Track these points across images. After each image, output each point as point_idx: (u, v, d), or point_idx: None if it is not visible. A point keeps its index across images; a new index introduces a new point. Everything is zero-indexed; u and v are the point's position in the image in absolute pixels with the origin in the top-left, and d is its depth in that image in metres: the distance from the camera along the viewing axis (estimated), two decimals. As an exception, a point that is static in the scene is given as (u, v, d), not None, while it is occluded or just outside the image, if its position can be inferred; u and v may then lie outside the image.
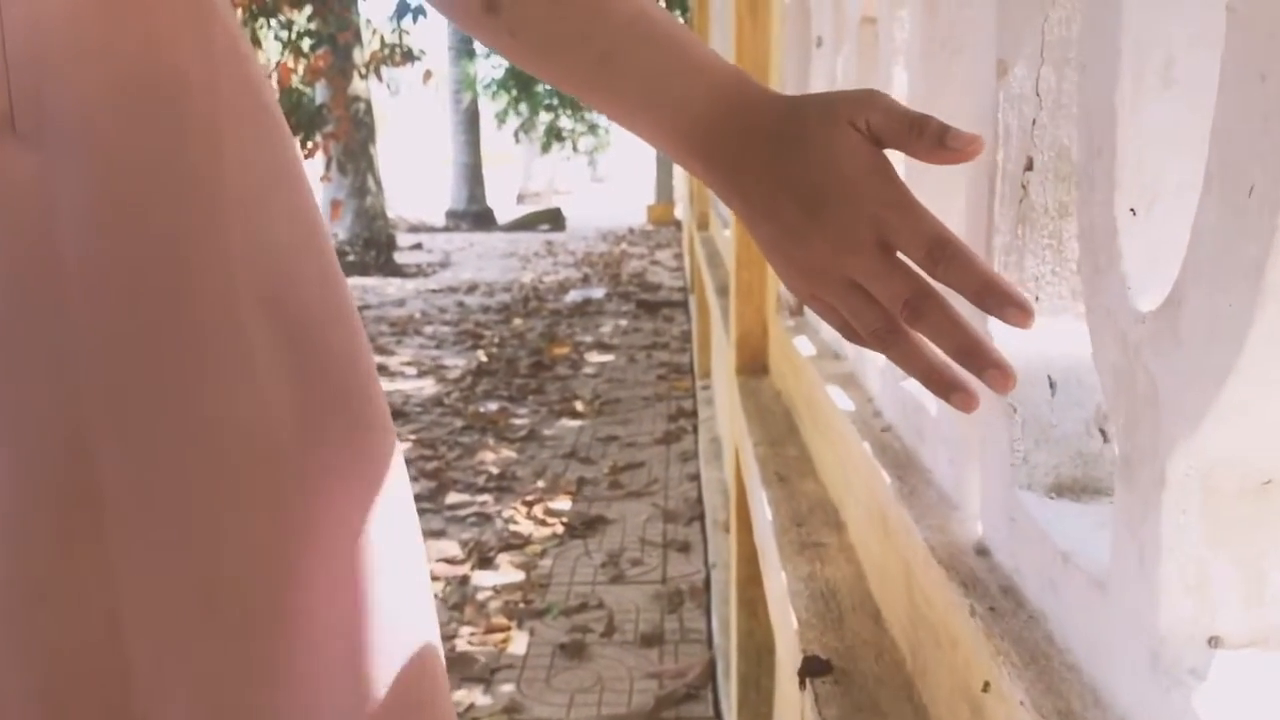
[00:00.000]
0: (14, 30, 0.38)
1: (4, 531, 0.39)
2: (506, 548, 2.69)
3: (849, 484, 0.87)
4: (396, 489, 0.51)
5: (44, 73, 0.39)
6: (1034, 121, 0.55)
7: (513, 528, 2.81)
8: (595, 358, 5.13)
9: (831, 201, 0.46)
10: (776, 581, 0.83)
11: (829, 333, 1.16)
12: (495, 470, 3.31)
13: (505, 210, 14.79)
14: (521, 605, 2.36)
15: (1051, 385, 0.53)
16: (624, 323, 6.15)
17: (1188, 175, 0.38)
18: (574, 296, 7.10)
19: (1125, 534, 0.39)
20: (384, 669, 0.47)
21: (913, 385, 0.77)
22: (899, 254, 0.46)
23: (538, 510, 2.92)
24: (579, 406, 4.10)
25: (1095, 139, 0.41)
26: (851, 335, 0.50)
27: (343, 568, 0.46)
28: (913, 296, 0.45)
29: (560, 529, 2.80)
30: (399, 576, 0.49)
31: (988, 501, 0.57)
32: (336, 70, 7.64)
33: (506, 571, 2.55)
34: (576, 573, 2.54)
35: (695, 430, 3.67)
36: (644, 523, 2.85)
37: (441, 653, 0.53)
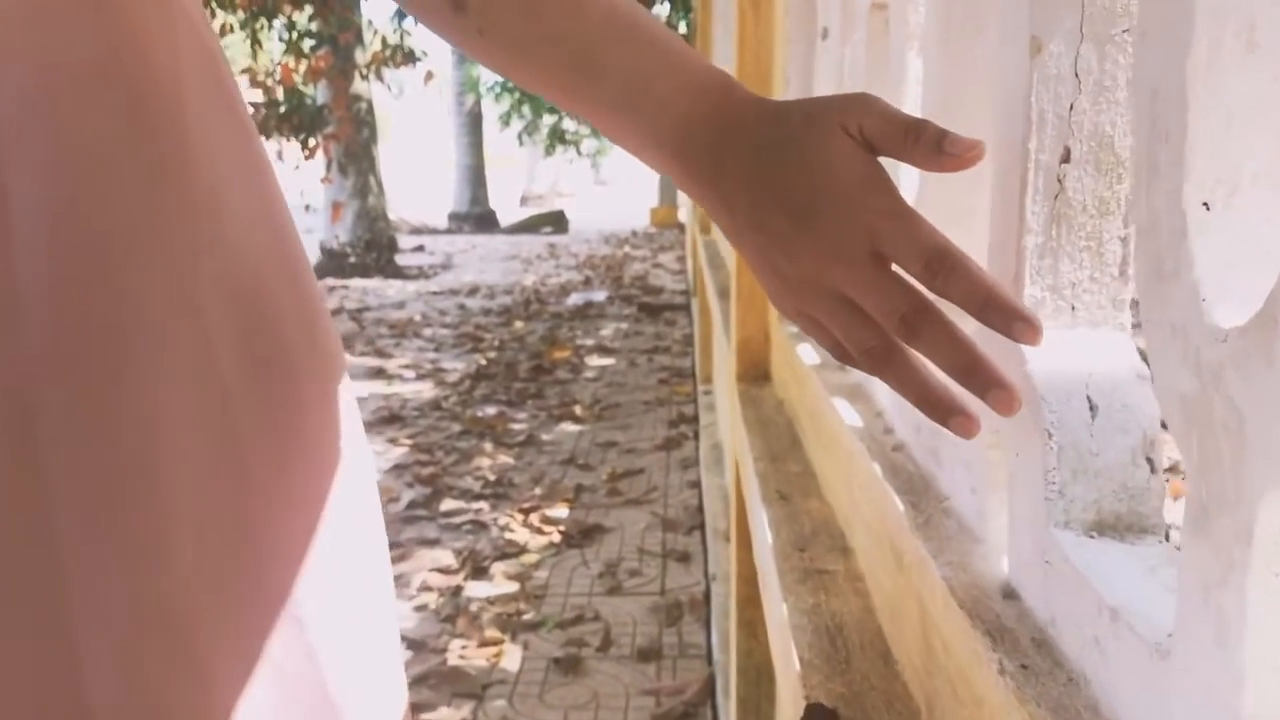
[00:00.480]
0: None
1: None
2: (501, 557, 2.62)
3: (856, 506, 0.80)
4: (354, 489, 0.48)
5: None
6: (1071, 107, 0.48)
7: (508, 536, 2.75)
8: (596, 361, 5.06)
9: (822, 210, 0.44)
10: (777, 612, 0.77)
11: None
12: (492, 476, 3.25)
13: (508, 213, 14.74)
14: (515, 617, 2.29)
15: (1092, 408, 0.47)
16: (625, 326, 6.09)
17: (1276, 161, 0.32)
18: (575, 299, 7.03)
19: (1196, 595, 0.32)
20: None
21: (927, 401, 0.71)
22: (894, 266, 0.43)
23: (534, 518, 2.86)
24: (578, 411, 4.03)
25: (1160, 120, 0.34)
26: (842, 355, 0.47)
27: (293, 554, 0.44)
28: (909, 311, 0.42)
29: (557, 537, 2.74)
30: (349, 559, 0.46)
31: (1017, 538, 0.50)
32: (337, 71, 7.60)
33: (501, 582, 2.48)
34: (573, 583, 2.47)
35: (696, 436, 3.60)
36: (643, 531, 2.78)
37: (395, 628, 0.50)
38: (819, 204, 0.44)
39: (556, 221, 13.46)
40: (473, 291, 7.58)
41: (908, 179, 0.74)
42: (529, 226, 13.39)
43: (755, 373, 1.41)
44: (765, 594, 0.89)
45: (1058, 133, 0.48)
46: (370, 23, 8.10)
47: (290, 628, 0.42)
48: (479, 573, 2.53)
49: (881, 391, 0.84)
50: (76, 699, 0.37)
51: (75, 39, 0.39)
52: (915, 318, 0.42)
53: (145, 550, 0.39)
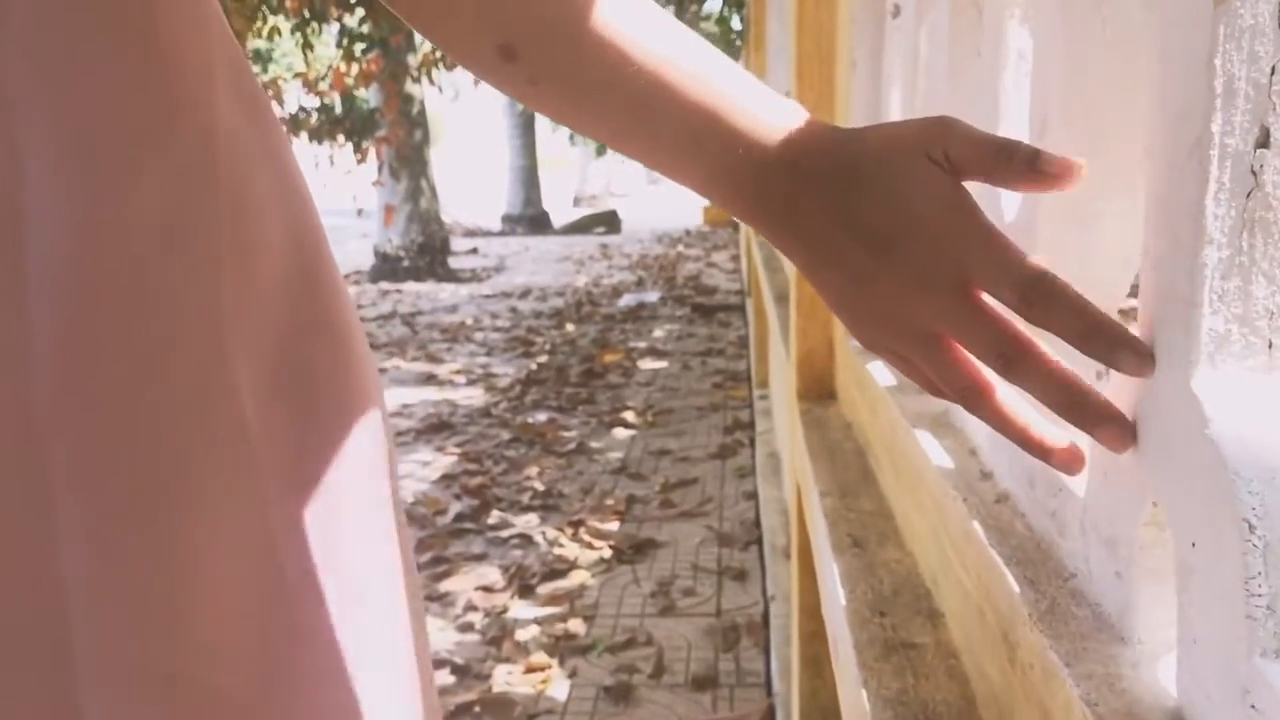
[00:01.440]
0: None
1: None
2: (550, 574, 2.52)
3: (947, 564, 0.67)
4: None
5: (10, 39, 0.36)
6: (1274, 70, 0.35)
7: (557, 551, 2.64)
8: (648, 365, 4.95)
9: (904, 241, 0.42)
10: (853, 697, 0.64)
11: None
12: (541, 486, 3.15)
13: (561, 213, 14.70)
14: (564, 640, 2.18)
15: (1311, 488, 0.34)
16: (678, 327, 5.97)
17: None
18: (628, 301, 6.93)
19: None
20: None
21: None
22: (985, 297, 0.41)
23: (584, 532, 2.75)
24: (630, 417, 3.92)
25: None
26: (938, 391, 0.44)
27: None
28: (1006, 346, 0.40)
29: (608, 553, 2.62)
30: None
31: (1195, 658, 0.37)
32: (388, 74, 7.58)
33: (548, 601, 2.38)
34: (624, 603, 2.36)
35: (752, 444, 3.47)
36: (697, 546, 2.66)
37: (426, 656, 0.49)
38: (902, 234, 0.42)
39: (609, 221, 13.38)
40: (525, 294, 7.51)
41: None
42: (582, 227, 13.33)
43: (819, 390, 1.28)
44: (839, 669, 0.76)
45: (1254, 108, 0.35)
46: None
47: (317, 666, 0.41)
48: (526, 591, 2.43)
49: (976, 426, 0.71)
50: None
51: (104, 49, 0.38)
52: (1013, 352, 0.40)
53: (156, 597, 0.38)
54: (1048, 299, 0.39)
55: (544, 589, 2.43)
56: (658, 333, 5.82)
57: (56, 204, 0.36)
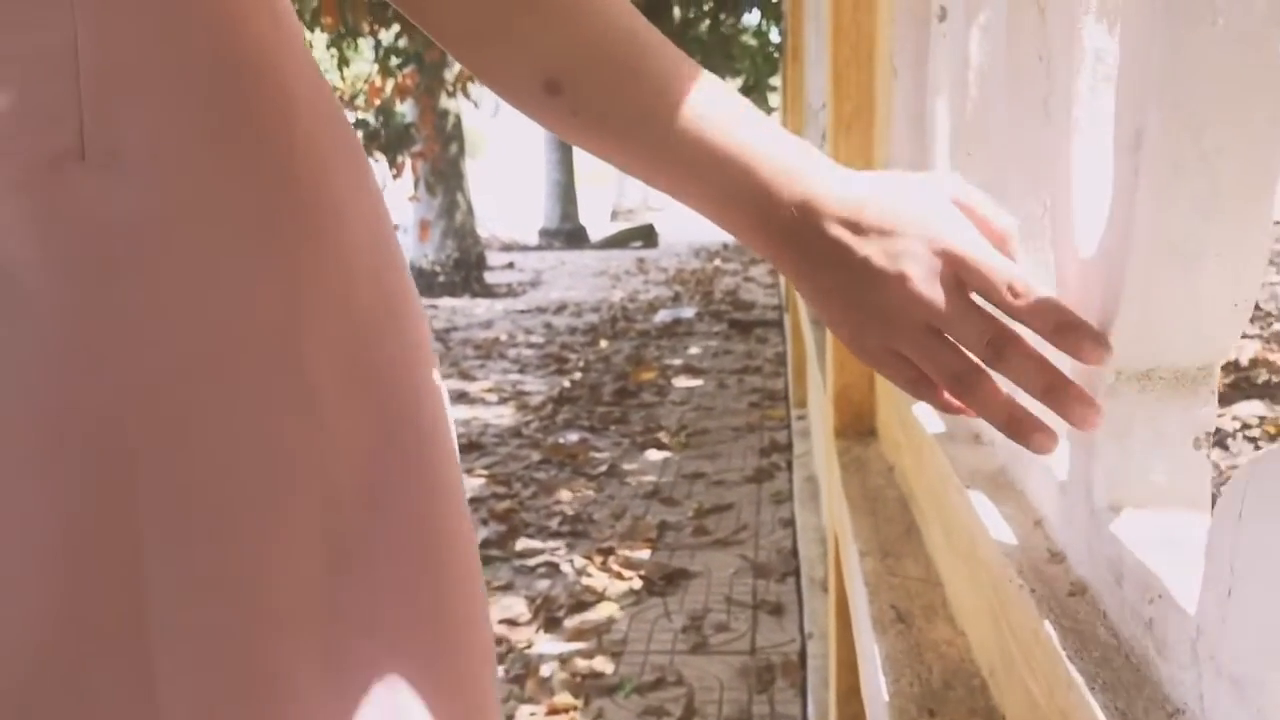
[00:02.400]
0: (88, 59, 0.38)
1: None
2: (578, 606, 2.42)
3: (1009, 659, 0.56)
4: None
5: (117, 101, 0.39)
6: None
7: (585, 581, 2.55)
8: (683, 383, 4.84)
9: (908, 237, 0.46)
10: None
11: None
12: (570, 511, 3.05)
13: (599, 227, 14.66)
14: (590, 679, 2.08)
15: None
16: (714, 344, 5.86)
17: None
18: (663, 316, 6.83)
19: None
20: None
21: (1130, 530, 0.47)
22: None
23: (613, 561, 2.65)
24: (664, 438, 3.82)
25: None
26: (921, 388, 0.49)
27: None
28: (995, 336, 0.45)
29: (638, 583, 2.52)
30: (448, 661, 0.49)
31: None
32: (424, 88, 7.57)
33: (575, 635, 2.28)
34: (653, 638, 2.25)
35: (789, 466, 3.35)
36: (731, 577, 2.55)
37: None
38: (907, 233, 0.46)
39: (646, 236, 13.31)
40: (560, 309, 7.45)
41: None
42: (618, 241, 13.26)
43: (858, 427, 1.17)
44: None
45: None
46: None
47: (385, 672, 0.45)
48: (552, 624, 2.33)
49: (1040, 489, 0.61)
50: None
51: (185, 74, 0.40)
52: (1001, 341, 0.45)
53: (235, 599, 0.40)
54: (1028, 294, 0.44)
55: (571, 622, 2.34)
56: (693, 349, 5.72)
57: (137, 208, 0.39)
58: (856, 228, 0.47)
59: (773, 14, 10.53)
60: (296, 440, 0.42)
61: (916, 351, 0.47)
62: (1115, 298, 0.46)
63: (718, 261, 10.53)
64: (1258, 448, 3.21)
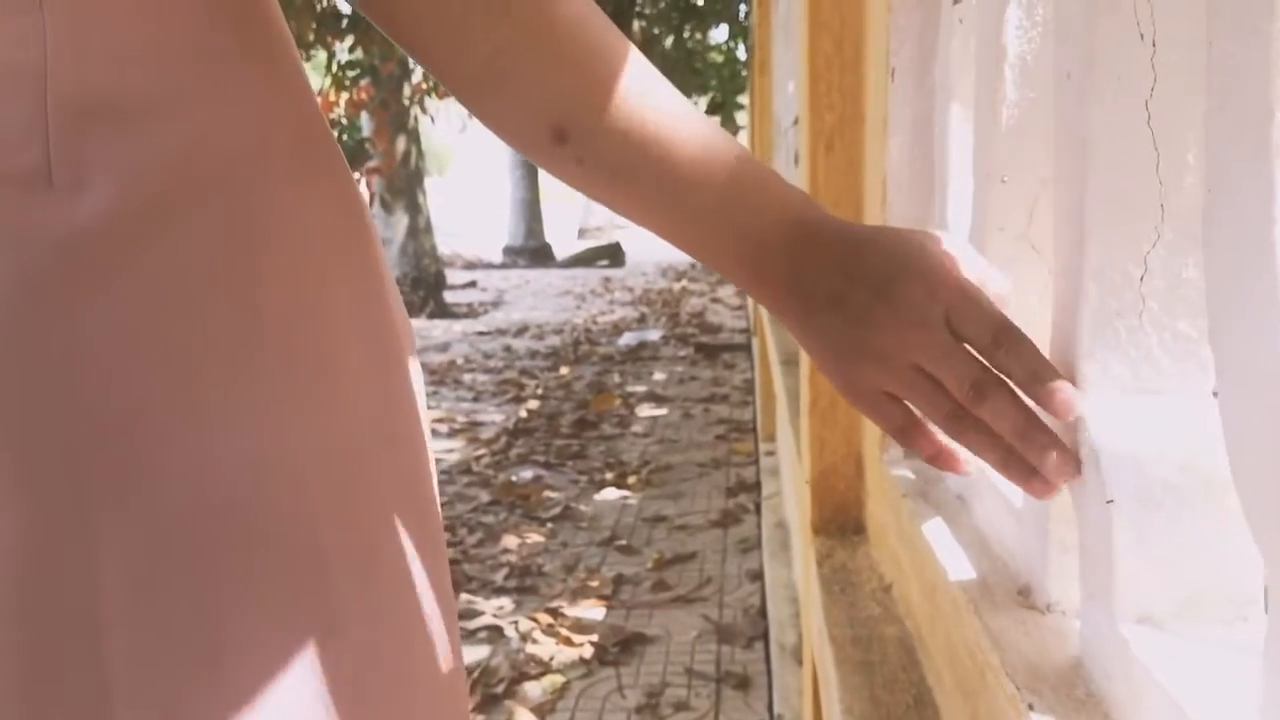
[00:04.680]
0: (57, 83, 0.38)
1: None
2: (520, 677, 2.15)
3: None
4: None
5: (85, 126, 0.38)
6: None
7: (530, 648, 2.28)
8: (646, 412, 4.60)
9: (901, 282, 0.47)
10: None
11: (984, 516, 0.63)
12: (519, 561, 2.79)
13: (565, 245, 14.42)
14: (530, 771, 1.82)
15: None
16: (680, 369, 5.62)
17: None
18: (628, 339, 6.59)
19: None
20: None
21: None
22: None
23: (563, 623, 2.39)
24: (624, 476, 3.57)
25: None
26: (910, 434, 0.50)
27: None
28: (980, 378, 0.46)
29: (589, 650, 2.26)
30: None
31: None
32: (379, 102, 7.30)
33: (517, 716, 2.01)
34: (604, 719, 2.00)
35: (757, 509, 3.11)
36: (693, 643, 2.29)
37: None
38: (899, 275, 0.47)
39: (613, 254, 13.07)
40: (521, 331, 7.18)
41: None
42: (584, 260, 13.02)
43: (841, 521, 0.93)
44: None
45: None
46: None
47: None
48: (491, 701, 2.07)
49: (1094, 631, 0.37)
50: None
51: (163, 110, 0.40)
52: (985, 384, 0.46)
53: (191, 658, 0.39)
54: (1014, 343, 0.46)
55: (511, 701, 2.07)
56: (658, 375, 5.47)
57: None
58: (852, 274, 0.48)
59: (740, 31, 10.38)
60: (270, 480, 0.40)
61: (909, 391, 0.48)
62: None
63: (685, 282, 10.31)
64: None
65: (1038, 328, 0.66)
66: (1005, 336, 0.45)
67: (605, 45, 0.46)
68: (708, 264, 0.51)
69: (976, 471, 0.67)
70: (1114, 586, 0.41)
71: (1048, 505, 0.51)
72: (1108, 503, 0.42)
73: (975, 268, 0.48)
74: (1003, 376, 0.46)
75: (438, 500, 0.50)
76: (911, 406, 0.49)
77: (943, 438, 0.49)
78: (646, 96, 0.46)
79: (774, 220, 0.49)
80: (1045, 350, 0.48)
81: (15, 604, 0.37)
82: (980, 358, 0.46)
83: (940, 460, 0.50)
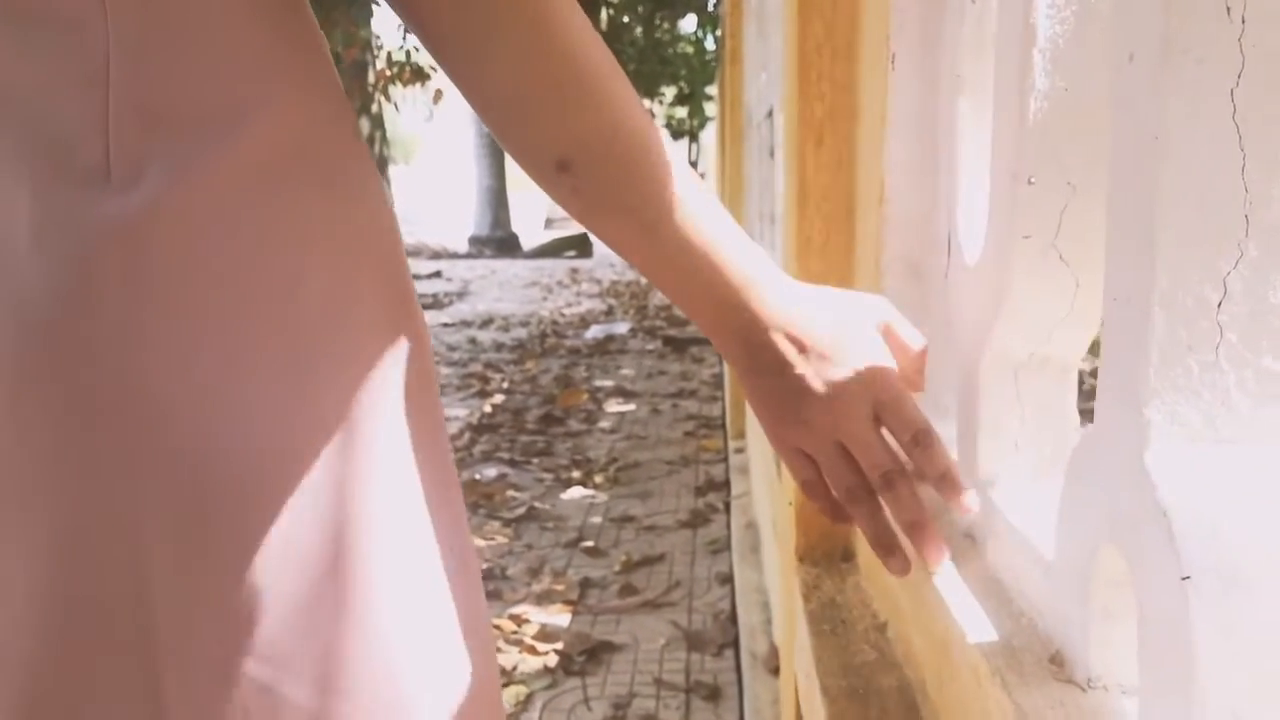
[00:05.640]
0: (119, 88, 0.40)
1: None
2: (482, 688, 2.07)
3: None
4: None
5: (144, 127, 0.40)
6: None
7: (493, 657, 2.20)
8: (614, 407, 4.52)
9: (842, 369, 0.54)
10: None
11: (1002, 563, 0.56)
12: (483, 563, 2.70)
13: (532, 235, 14.28)
14: (491, 790, 1.74)
15: None
16: (649, 363, 5.55)
17: None
18: (595, 332, 6.51)
19: None
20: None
21: None
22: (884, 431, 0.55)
23: (528, 630, 2.31)
24: (591, 474, 3.49)
25: None
26: (813, 490, 0.57)
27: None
28: (891, 470, 0.54)
29: (553, 659, 2.18)
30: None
31: None
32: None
33: (478, 729, 1.93)
34: (569, 733, 1.92)
35: (727, 509, 3.05)
36: (661, 650, 2.22)
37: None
38: (842, 363, 0.54)
39: (580, 245, 12.97)
40: (486, 323, 7.08)
41: None
42: (551, 250, 12.91)
43: (827, 548, 0.85)
44: None
45: None
46: (378, 38, 7.63)
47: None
48: (451, 714, 1.98)
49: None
50: None
51: (218, 116, 0.42)
52: (894, 476, 0.54)
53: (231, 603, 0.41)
54: (929, 446, 0.54)
55: (472, 713, 1.99)
56: (626, 369, 5.40)
57: None
58: (800, 346, 0.54)
59: (709, 21, 10.29)
60: (309, 461, 0.42)
61: (824, 461, 0.55)
62: None
63: (653, 273, 10.22)
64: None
65: (1067, 348, 0.58)
66: (923, 439, 0.53)
67: (614, 92, 0.50)
68: (673, 299, 0.56)
69: (990, 510, 0.59)
70: (1193, 679, 0.34)
71: (1088, 563, 0.44)
72: (1183, 579, 0.34)
73: (901, 331, 0.57)
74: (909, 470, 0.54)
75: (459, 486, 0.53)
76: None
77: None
78: (643, 146, 0.51)
79: (736, 277, 0.53)
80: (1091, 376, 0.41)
81: (63, 586, 0.39)
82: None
83: (832, 517, 0.58)
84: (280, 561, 0.41)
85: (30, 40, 0.39)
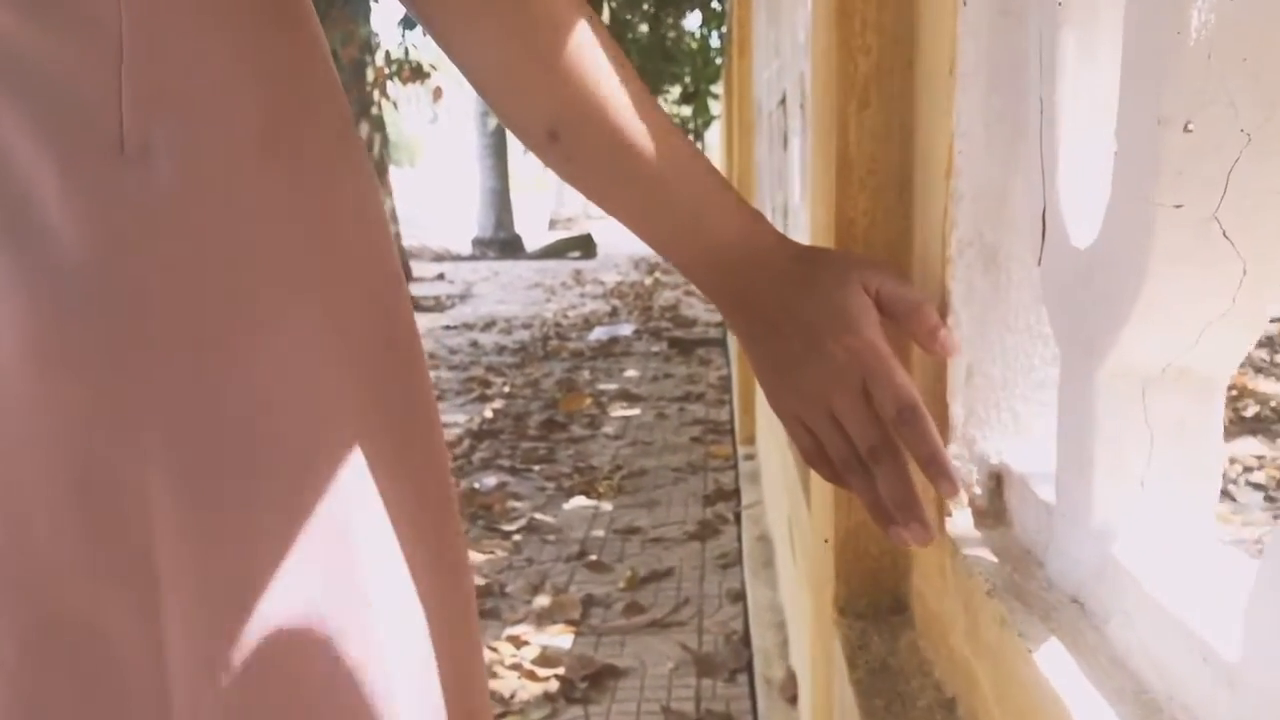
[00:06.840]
0: (132, 66, 0.43)
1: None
2: None
3: None
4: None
5: (156, 101, 0.44)
6: None
7: (490, 684, 2.05)
8: (619, 412, 4.37)
9: (831, 342, 0.53)
10: None
11: (1140, 649, 0.41)
12: (480, 580, 2.56)
13: (536, 237, 14.15)
14: (486, 835, 1.59)
15: None
16: (654, 366, 5.40)
17: None
18: (599, 334, 6.36)
19: None
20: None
21: None
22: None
23: (527, 653, 2.16)
24: (594, 482, 3.34)
25: None
26: (815, 460, 0.57)
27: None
28: (879, 444, 0.53)
29: (555, 685, 2.04)
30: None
31: None
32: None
33: (472, 765, 1.79)
34: (571, 769, 1.78)
35: (737, 520, 2.90)
36: (670, 675, 2.08)
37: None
38: (832, 335, 0.53)
39: (584, 246, 12.82)
40: (488, 325, 6.94)
41: None
42: (555, 252, 12.76)
43: (874, 596, 0.71)
44: None
45: None
46: (376, 35, 7.48)
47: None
48: (443, 748, 1.84)
49: None
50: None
51: (231, 89, 0.47)
52: (882, 450, 0.53)
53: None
54: (915, 423, 0.52)
55: (466, 746, 1.84)
56: (630, 372, 5.25)
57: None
58: (791, 309, 0.55)
59: (713, 18, 10.14)
60: (330, 408, 0.47)
61: (819, 429, 0.55)
62: None
63: (658, 274, 10.09)
64: (1268, 496, 2.83)
65: (1217, 357, 0.44)
66: (910, 415, 0.52)
67: (604, 63, 0.52)
68: (674, 264, 0.57)
69: (1114, 572, 0.45)
70: None
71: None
72: None
73: (907, 298, 0.55)
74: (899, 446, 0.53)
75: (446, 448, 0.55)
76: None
77: None
78: (632, 114, 0.52)
79: (730, 235, 0.55)
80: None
81: (78, 509, 0.43)
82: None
83: (834, 482, 0.57)
84: (271, 484, 0.46)
85: (52, 20, 0.43)
